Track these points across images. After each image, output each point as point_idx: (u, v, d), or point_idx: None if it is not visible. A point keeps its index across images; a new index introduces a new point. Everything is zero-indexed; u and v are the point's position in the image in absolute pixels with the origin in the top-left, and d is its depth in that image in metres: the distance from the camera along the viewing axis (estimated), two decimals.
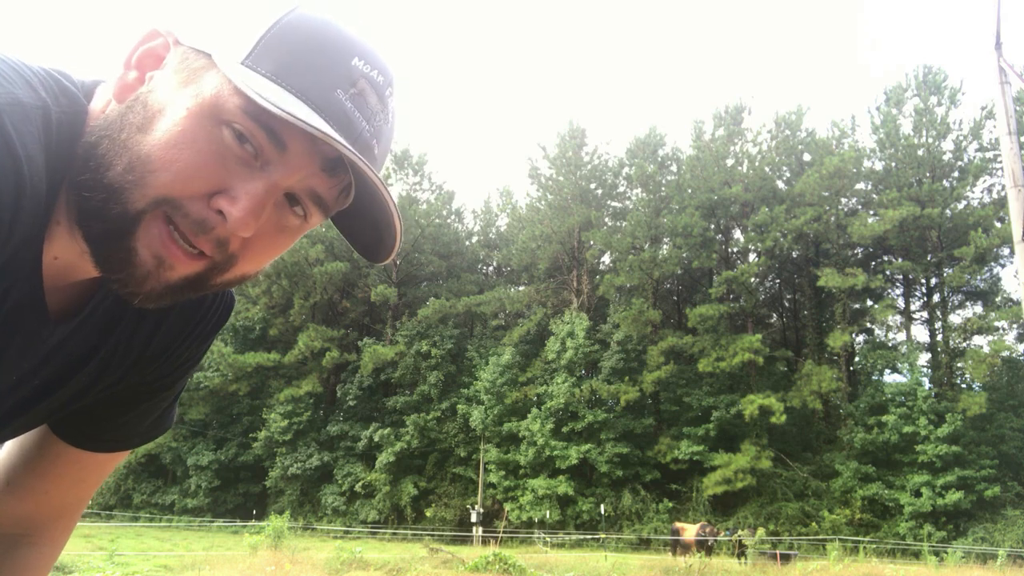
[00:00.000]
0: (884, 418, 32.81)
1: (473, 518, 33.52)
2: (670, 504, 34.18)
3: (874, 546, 27.28)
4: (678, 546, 25.08)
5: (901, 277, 38.78)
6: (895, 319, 38.51)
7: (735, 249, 40.85)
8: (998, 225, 33.27)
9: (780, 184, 39.52)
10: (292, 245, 0.78)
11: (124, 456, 1.02)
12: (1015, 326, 35.46)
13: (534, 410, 35.96)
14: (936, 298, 38.01)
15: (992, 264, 36.17)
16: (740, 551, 23.11)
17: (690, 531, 25.42)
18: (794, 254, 41.13)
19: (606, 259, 43.08)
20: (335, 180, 0.71)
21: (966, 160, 36.11)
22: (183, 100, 0.66)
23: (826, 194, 36.75)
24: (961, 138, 36.37)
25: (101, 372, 0.87)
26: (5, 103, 0.62)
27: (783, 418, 32.61)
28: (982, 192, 37.16)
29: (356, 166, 0.68)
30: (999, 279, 37.11)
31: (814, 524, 31.58)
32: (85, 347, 0.84)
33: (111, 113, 0.69)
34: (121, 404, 0.95)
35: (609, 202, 44.41)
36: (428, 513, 36.25)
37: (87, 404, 0.91)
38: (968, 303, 38.06)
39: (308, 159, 0.69)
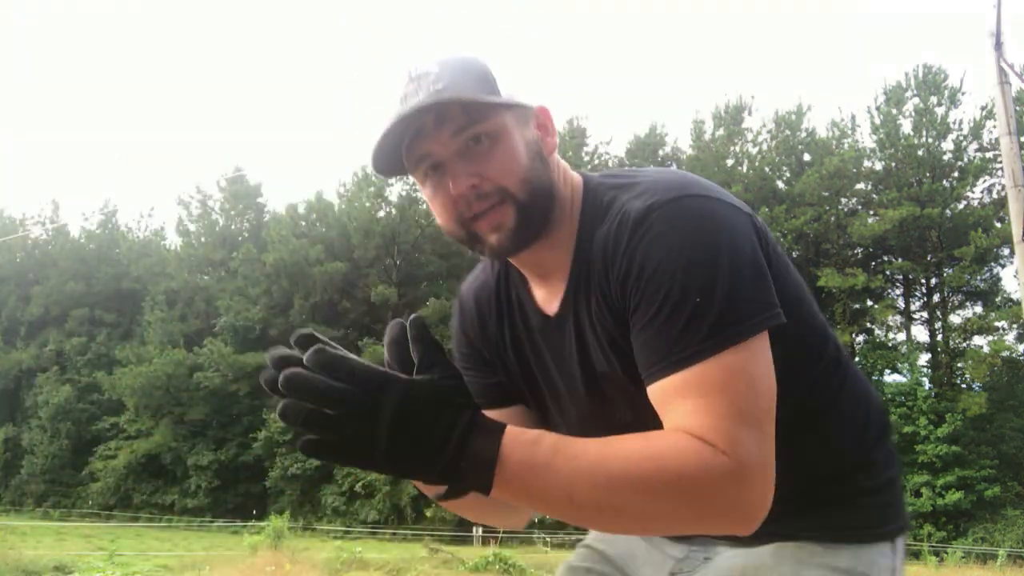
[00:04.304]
0: None
1: None
2: None
3: None
4: None
5: (901, 277, 38.75)
6: (895, 319, 38.49)
7: None
8: (998, 225, 33.23)
9: (780, 184, 39.49)
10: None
11: None
12: (1015, 326, 35.42)
13: None
14: (936, 298, 38.00)
15: (992, 264, 36.14)
16: None
17: None
18: (794, 254, 41.03)
19: None
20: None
21: (966, 160, 36.07)
22: None
23: (826, 194, 36.74)
24: (961, 138, 36.33)
25: (589, 329, 1.00)
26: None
27: None
28: (982, 192, 37.12)
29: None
30: (999, 279, 37.09)
31: None
32: (575, 315, 1.01)
33: None
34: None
35: None
36: (428, 513, 36.21)
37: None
38: (968, 303, 38.02)
39: None
